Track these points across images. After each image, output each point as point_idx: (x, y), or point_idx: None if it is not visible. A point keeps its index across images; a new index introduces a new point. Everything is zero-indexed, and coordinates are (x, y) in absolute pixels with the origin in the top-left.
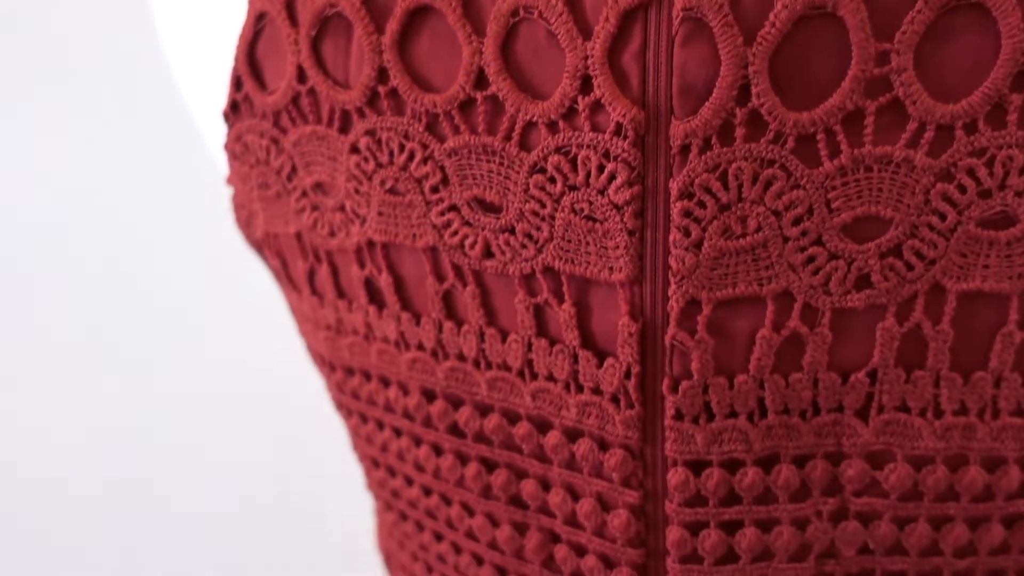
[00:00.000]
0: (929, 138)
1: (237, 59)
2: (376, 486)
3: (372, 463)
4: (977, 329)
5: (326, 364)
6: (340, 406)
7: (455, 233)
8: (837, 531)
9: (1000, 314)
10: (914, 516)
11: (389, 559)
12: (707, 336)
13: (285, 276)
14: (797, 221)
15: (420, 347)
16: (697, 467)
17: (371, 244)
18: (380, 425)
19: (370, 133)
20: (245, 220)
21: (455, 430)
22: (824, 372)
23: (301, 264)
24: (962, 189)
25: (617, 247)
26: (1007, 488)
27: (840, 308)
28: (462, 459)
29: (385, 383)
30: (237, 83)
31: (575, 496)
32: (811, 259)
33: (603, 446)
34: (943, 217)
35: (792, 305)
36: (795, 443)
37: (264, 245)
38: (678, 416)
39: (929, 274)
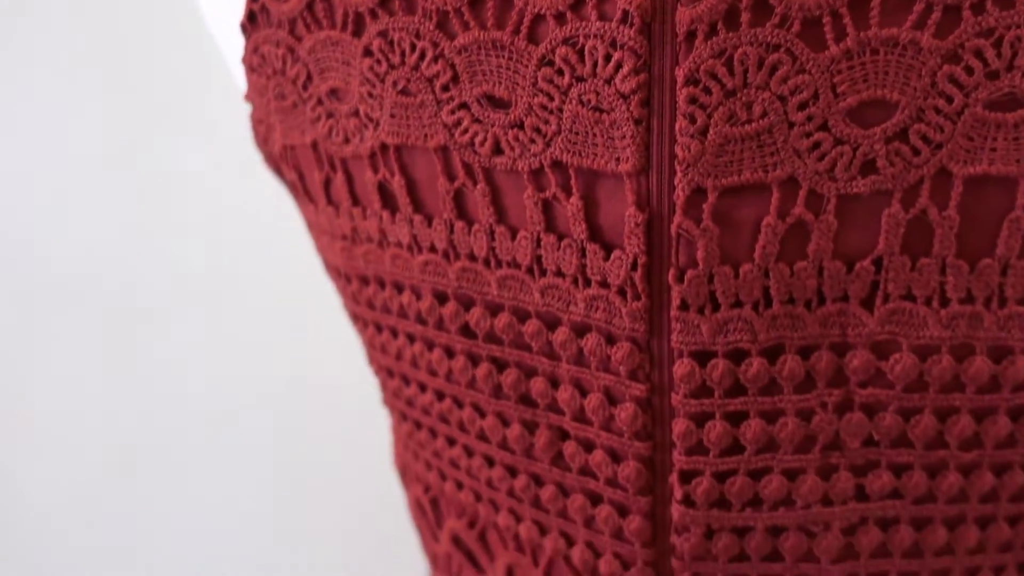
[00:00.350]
0: (936, 19)
1: None
2: (391, 397)
3: (387, 373)
4: (984, 215)
5: (342, 276)
6: (356, 318)
7: (465, 131)
8: (842, 423)
9: (1007, 199)
10: (919, 407)
11: (405, 472)
12: (712, 225)
13: (302, 189)
14: (802, 106)
15: (432, 249)
16: (703, 358)
17: (384, 148)
18: (394, 333)
19: (382, 34)
20: (263, 136)
21: (466, 331)
22: (829, 260)
23: (317, 174)
24: (969, 71)
25: (623, 137)
26: (1013, 378)
27: (845, 194)
28: (473, 360)
29: (398, 289)
30: None
31: (583, 392)
32: (816, 145)
33: (610, 340)
34: (950, 100)
35: (797, 192)
36: (800, 333)
37: (281, 160)
38: (683, 306)
39: (935, 158)
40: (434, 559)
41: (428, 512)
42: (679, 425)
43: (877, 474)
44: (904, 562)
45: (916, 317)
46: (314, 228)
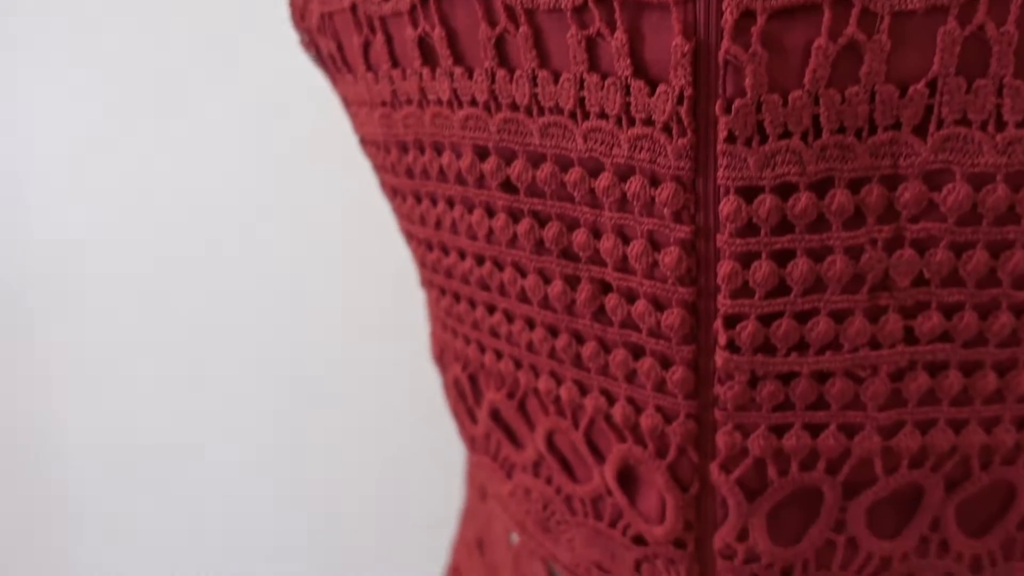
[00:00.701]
0: None
1: None
2: (430, 272)
3: (426, 247)
4: None
5: (380, 148)
6: (394, 193)
7: None
8: (892, 260)
9: None
10: (972, 242)
11: (443, 355)
12: (761, 49)
13: (340, 60)
14: None
15: (473, 103)
16: (749, 194)
17: (424, 0)
18: (433, 200)
19: None
20: (300, 11)
21: (507, 186)
22: (882, 84)
23: (356, 39)
24: None
25: None
26: None
27: (899, 12)
28: (514, 216)
29: (438, 150)
30: None
31: (626, 239)
32: None
33: (654, 181)
34: None
35: (849, 11)
36: (850, 165)
37: (319, 33)
38: (730, 139)
39: None
40: (472, 442)
41: (467, 391)
42: (724, 267)
43: (927, 315)
44: (953, 409)
45: (971, 143)
46: (352, 103)
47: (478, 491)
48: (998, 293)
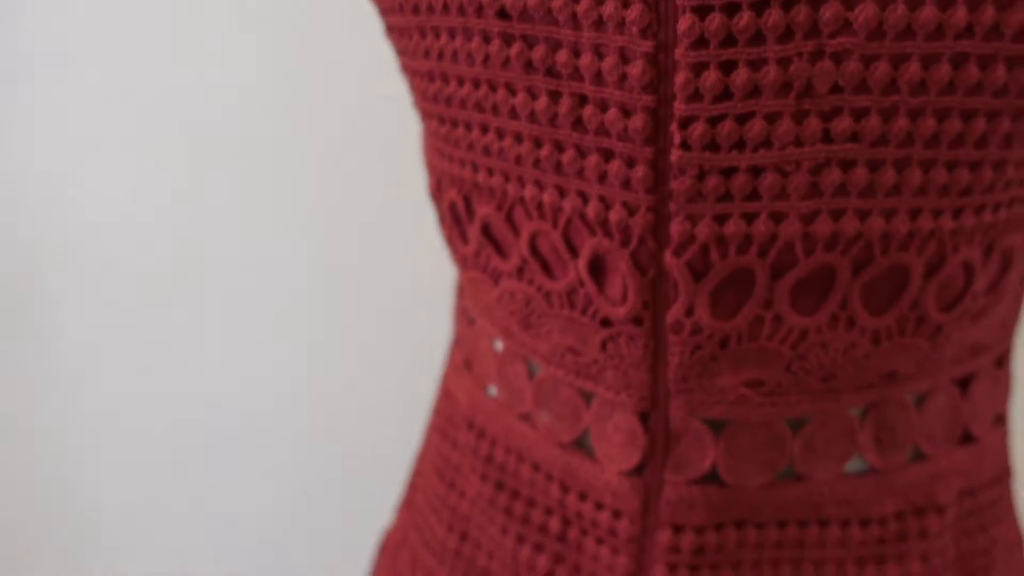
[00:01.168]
0: None
1: None
2: (431, 103)
3: (428, 79)
4: None
5: None
6: (401, 32)
7: None
8: (814, 70)
9: None
10: (878, 54)
11: (440, 184)
12: None
13: None
14: None
15: None
16: (702, 12)
17: None
18: (437, 33)
19: None
20: None
21: (502, 14)
22: None
23: None
24: None
25: None
26: (955, 26)
27: None
28: (507, 41)
29: None
30: None
31: (601, 56)
32: None
33: (625, 3)
34: None
35: None
36: None
37: None
38: None
39: None
40: (464, 261)
41: (461, 212)
42: (680, 76)
43: (840, 118)
44: (859, 200)
45: None
46: None
47: (466, 318)
48: (897, 99)
